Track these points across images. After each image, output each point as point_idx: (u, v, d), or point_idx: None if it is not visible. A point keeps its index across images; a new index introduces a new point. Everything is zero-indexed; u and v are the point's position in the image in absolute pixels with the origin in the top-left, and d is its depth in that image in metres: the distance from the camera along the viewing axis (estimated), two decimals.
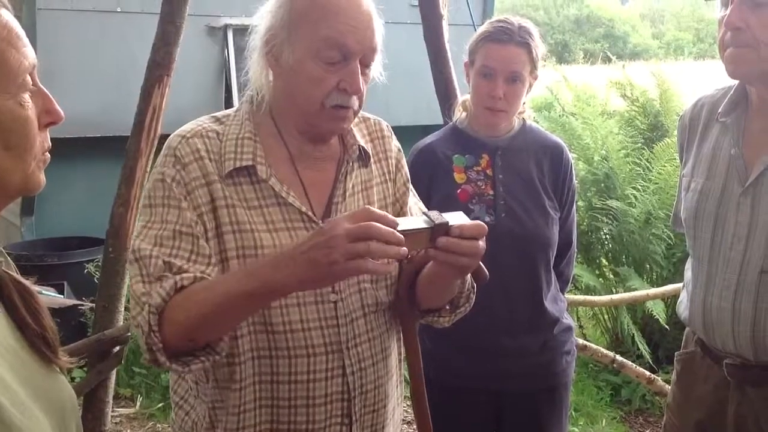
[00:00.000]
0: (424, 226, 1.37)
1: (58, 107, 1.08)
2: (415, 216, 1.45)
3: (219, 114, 1.61)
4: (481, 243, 1.41)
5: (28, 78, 1.03)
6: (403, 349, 1.70)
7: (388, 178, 1.68)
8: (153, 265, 1.41)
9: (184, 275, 1.39)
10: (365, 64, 1.50)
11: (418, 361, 1.65)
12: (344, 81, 1.46)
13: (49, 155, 1.09)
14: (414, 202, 1.76)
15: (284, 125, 1.55)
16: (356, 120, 1.64)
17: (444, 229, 1.38)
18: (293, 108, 1.52)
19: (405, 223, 1.35)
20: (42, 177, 1.07)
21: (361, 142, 1.63)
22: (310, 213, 1.52)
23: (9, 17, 1.02)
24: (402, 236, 1.28)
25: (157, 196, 1.48)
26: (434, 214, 1.39)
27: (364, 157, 1.63)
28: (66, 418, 1.08)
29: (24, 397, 0.98)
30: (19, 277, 1.09)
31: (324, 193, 1.57)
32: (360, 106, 1.54)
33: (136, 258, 1.44)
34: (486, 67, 2.23)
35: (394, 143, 1.73)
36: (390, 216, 1.31)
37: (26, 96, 1.02)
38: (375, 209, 1.30)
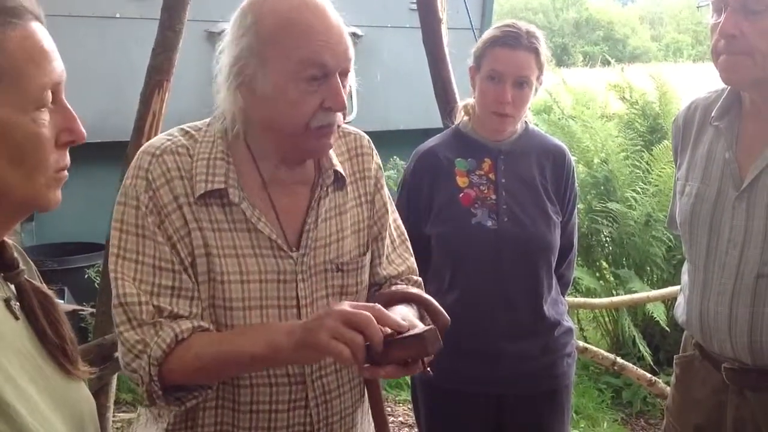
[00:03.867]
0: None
1: (80, 127, 1.05)
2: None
3: (188, 126, 1.56)
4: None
5: (48, 95, 1.00)
6: None
7: (364, 200, 1.65)
8: (144, 312, 1.41)
9: (183, 327, 1.41)
10: (343, 75, 1.46)
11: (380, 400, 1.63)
12: (328, 99, 1.43)
13: (66, 173, 1.05)
14: (393, 219, 1.72)
15: (259, 151, 1.51)
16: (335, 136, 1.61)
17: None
18: (274, 133, 1.47)
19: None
20: (56, 195, 1.04)
21: (338, 162, 1.59)
22: (279, 241, 1.50)
23: (37, 30, 1.00)
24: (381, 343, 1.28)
25: (129, 222, 1.45)
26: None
27: (339, 180, 1.60)
28: (84, 425, 1.08)
29: (42, 406, 0.98)
30: (41, 286, 1.09)
31: (297, 219, 1.54)
32: (344, 118, 1.51)
33: (121, 303, 1.42)
34: (494, 71, 2.22)
35: (375, 161, 1.69)
36: (397, 321, 1.31)
37: (42, 113, 0.99)
38: (386, 313, 1.31)
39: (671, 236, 4.50)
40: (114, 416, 3.72)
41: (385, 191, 1.70)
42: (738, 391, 1.88)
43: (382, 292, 1.62)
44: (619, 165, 4.90)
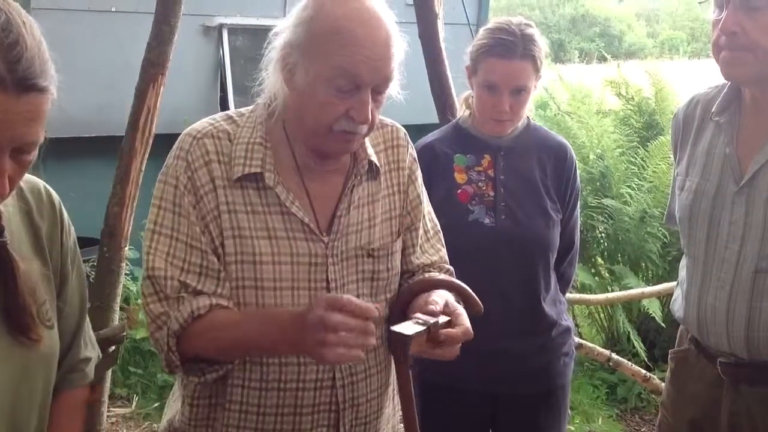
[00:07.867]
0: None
1: (5, 184, 1.06)
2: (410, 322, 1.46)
3: (233, 112, 1.62)
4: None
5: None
6: None
7: (398, 189, 1.68)
8: (169, 287, 1.48)
9: (201, 304, 1.46)
10: (378, 92, 1.50)
11: (409, 387, 1.62)
12: (353, 110, 1.46)
13: None
14: (427, 211, 1.76)
15: (294, 137, 1.56)
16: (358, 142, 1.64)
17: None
18: (302, 126, 1.53)
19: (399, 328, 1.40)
20: None
21: (373, 152, 1.63)
22: (312, 225, 1.54)
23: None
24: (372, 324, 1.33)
25: (167, 199, 1.52)
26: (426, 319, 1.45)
27: (373, 170, 1.63)
28: (19, 386, 1.17)
29: None
30: (15, 257, 1.13)
31: (329, 205, 1.58)
32: (370, 130, 1.54)
33: (150, 276, 1.49)
34: (490, 82, 2.19)
35: (410, 153, 1.73)
36: (365, 306, 1.34)
37: None
38: (352, 300, 1.33)
39: (666, 232, 4.51)
40: (108, 411, 3.71)
41: (420, 183, 1.74)
42: (733, 385, 1.88)
43: (416, 280, 1.65)
44: (615, 161, 4.91)
